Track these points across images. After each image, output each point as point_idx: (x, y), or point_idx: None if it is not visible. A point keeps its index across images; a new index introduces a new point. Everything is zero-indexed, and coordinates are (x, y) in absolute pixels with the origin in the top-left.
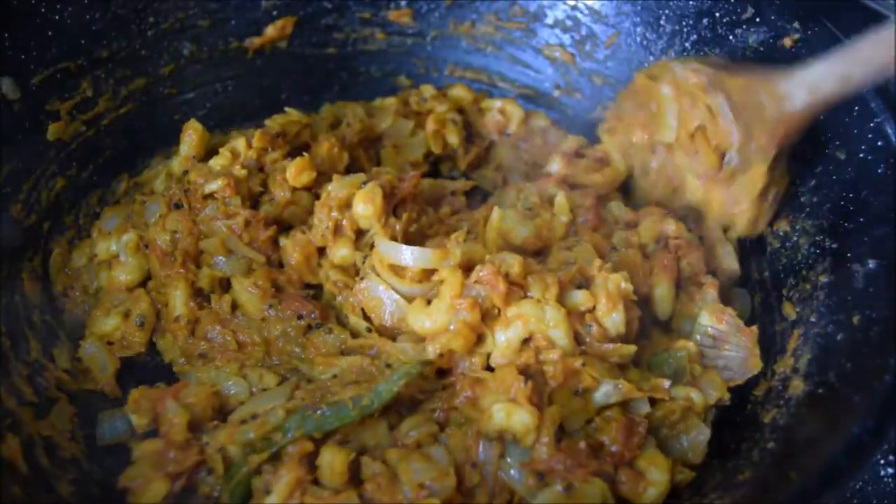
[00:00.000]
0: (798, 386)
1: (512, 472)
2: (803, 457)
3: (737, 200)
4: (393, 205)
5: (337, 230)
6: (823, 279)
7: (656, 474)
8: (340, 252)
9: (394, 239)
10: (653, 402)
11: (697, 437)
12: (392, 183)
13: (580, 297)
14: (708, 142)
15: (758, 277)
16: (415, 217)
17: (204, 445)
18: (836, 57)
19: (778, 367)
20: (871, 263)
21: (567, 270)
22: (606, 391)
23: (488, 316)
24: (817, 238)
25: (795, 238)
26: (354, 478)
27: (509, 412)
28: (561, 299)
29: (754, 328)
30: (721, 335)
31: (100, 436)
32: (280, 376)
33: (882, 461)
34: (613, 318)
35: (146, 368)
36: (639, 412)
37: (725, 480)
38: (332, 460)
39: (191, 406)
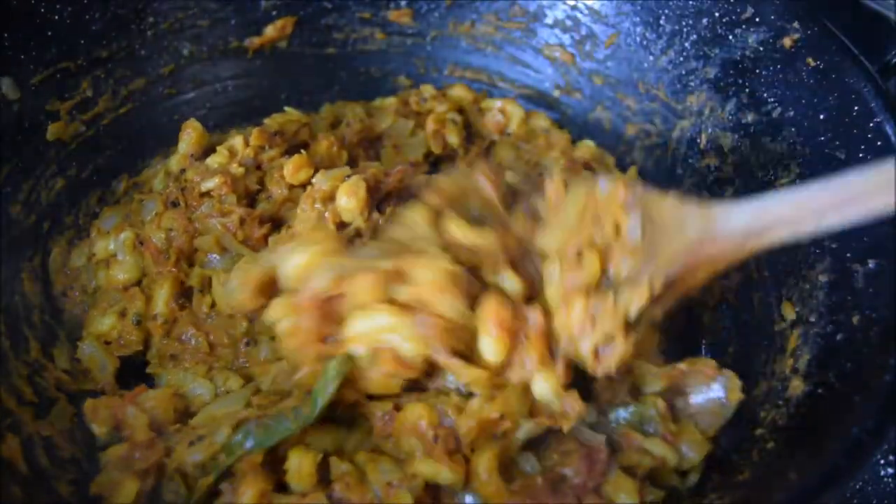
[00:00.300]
0: (798, 386)
1: (467, 499)
2: (803, 457)
3: (596, 319)
4: (378, 199)
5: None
6: (823, 279)
7: (624, 498)
8: None
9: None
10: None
11: (669, 481)
12: (377, 177)
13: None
14: (598, 256)
15: (757, 277)
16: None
17: (169, 448)
18: (793, 193)
19: (777, 367)
20: (871, 263)
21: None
22: (527, 429)
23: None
24: (817, 237)
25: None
26: (322, 479)
27: (432, 470)
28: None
29: (710, 360)
30: (680, 384)
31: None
32: (245, 379)
33: (882, 461)
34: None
35: (146, 367)
36: (597, 442)
37: (725, 480)
38: (301, 463)
39: (151, 409)
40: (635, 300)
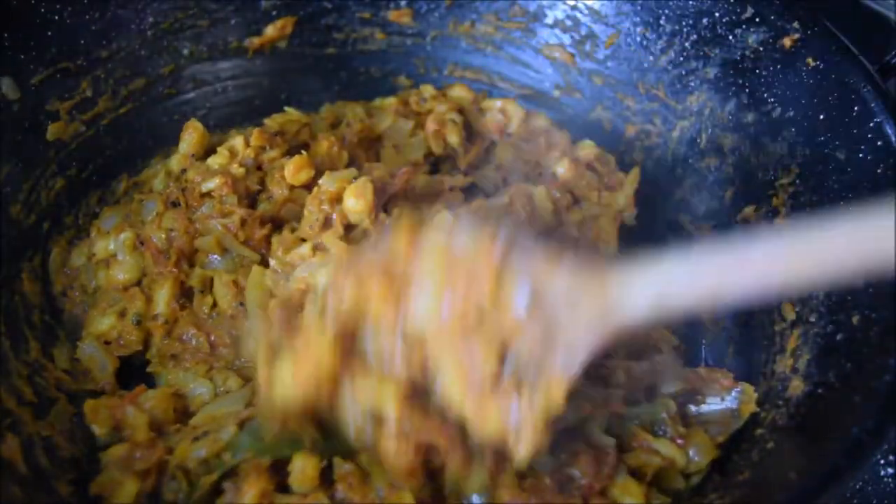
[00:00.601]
0: (798, 386)
1: (474, 497)
2: (803, 457)
3: (522, 421)
4: (384, 200)
5: (326, 224)
6: None
7: (630, 500)
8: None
9: None
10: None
11: (675, 484)
12: (383, 179)
13: None
14: (487, 337)
15: None
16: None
17: (170, 448)
18: (702, 259)
19: (777, 367)
20: None
21: None
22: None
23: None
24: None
25: None
26: (325, 479)
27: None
28: None
29: (727, 372)
30: (695, 389)
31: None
32: (245, 379)
33: (882, 461)
34: None
35: (146, 367)
36: (606, 444)
37: (725, 480)
38: (304, 466)
39: (151, 409)
40: (553, 394)
